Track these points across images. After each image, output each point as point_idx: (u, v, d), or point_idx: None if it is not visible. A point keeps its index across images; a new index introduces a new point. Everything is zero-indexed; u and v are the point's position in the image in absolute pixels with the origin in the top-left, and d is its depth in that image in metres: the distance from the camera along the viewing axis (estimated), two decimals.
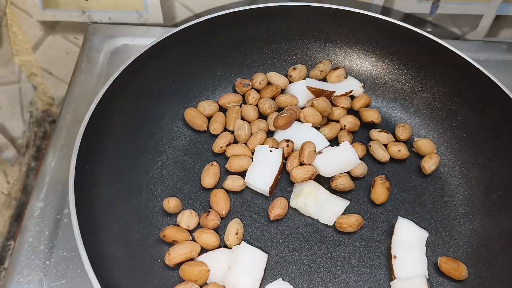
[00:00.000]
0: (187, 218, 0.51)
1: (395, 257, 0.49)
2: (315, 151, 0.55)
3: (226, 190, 0.54)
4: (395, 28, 0.60)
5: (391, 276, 0.50)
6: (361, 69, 0.64)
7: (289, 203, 0.54)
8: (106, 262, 0.44)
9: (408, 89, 0.62)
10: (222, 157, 0.57)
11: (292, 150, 0.56)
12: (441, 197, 0.56)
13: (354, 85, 0.62)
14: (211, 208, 0.52)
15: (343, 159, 0.55)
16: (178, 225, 0.51)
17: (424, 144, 0.57)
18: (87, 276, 0.50)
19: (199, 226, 0.52)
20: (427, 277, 0.49)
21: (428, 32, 0.60)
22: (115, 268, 0.45)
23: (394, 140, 0.59)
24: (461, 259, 0.51)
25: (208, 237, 0.50)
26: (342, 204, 0.53)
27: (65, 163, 0.59)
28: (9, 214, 0.72)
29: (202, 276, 0.47)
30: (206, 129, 0.59)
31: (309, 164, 0.55)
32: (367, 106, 0.62)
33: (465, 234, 0.53)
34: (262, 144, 0.56)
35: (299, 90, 0.61)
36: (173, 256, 0.48)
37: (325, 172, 0.55)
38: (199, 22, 0.59)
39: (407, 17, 0.70)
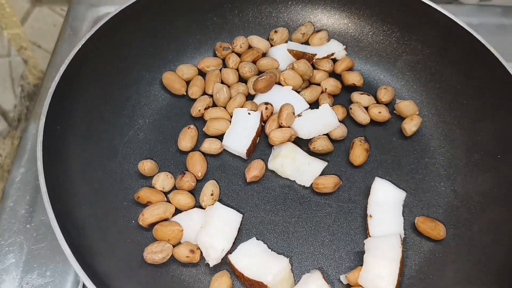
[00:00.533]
0: (162, 180, 0.51)
1: (370, 216, 0.49)
2: (293, 113, 0.54)
3: (204, 153, 0.54)
4: None
5: (366, 235, 0.49)
6: (344, 32, 0.63)
7: (266, 166, 0.53)
8: (77, 222, 0.45)
9: (392, 51, 0.61)
10: (200, 121, 0.57)
11: (272, 113, 0.56)
12: (422, 158, 0.55)
13: (336, 48, 0.61)
14: (187, 171, 0.52)
15: (322, 121, 0.54)
16: (153, 187, 0.51)
17: (405, 106, 0.56)
18: None
19: (175, 188, 0.52)
20: (403, 236, 0.48)
21: None
22: (87, 228, 0.45)
23: (375, 102, 0.58)
24: (440, 220, 0.50)
25: (182, 198, 0.50)
26: (319, 165, 0.53)
27: None
28: (1, 186, 0.72)
29: (176, 236, 0.47)
30: (185, 93, 0.58)
31: (288, 127, 0.54)
32: (350, 69, 0.60)
33: (446, 194, 0.52)
34: (241, 108, 0.56)
35: (281, 54, 0.60)
36: (147, 216, 0.48)
37: (304, 134, 0.54)
38: None
39: None
